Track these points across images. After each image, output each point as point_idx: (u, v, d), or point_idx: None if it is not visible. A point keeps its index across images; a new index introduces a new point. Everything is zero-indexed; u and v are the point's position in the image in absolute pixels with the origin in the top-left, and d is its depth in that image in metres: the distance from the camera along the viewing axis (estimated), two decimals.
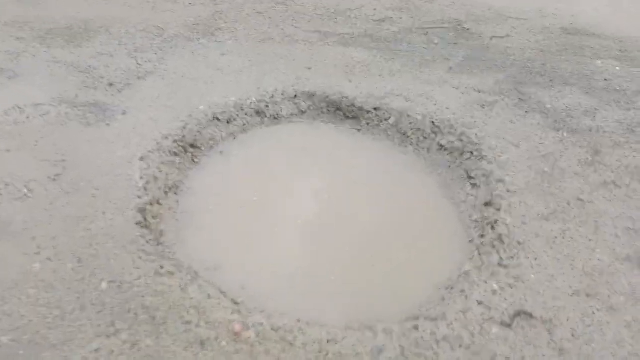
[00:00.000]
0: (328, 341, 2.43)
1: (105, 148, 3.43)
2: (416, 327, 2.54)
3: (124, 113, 3.73)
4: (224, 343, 2.36)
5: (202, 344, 2.34)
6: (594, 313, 2.63)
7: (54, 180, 3.17)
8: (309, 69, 4.53)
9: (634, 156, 3.71)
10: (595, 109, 4.23)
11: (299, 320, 2.57)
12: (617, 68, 4.84)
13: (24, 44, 4.72)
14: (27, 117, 3.72)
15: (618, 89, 4.55)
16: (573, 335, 2.53)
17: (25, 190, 3.08)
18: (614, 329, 2.56)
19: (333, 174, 3.64)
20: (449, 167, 3.70)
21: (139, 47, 4.63)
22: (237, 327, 2.42)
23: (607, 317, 2.62)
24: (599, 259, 2.92)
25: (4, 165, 3.27)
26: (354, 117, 4.09)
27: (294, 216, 3.23)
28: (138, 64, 4.37)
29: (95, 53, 4.60)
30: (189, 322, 2.43)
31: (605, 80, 4.67)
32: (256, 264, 2.92)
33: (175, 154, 3.47)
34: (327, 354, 2.37)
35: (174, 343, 2.34)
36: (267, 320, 2.51)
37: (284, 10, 5.65)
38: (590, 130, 3.98)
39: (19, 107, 3.79)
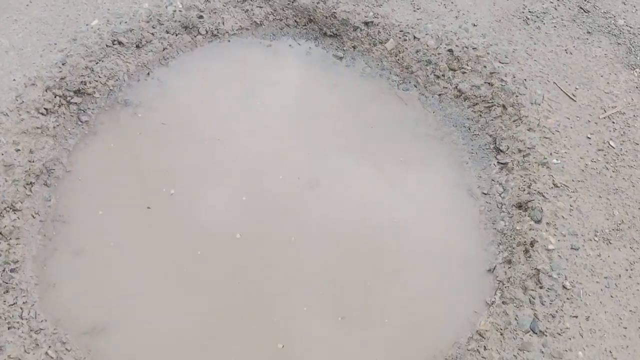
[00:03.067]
0: None
1: None
2: None
3: None
4: None
5: None
6: None
7: None
8: None
9: None
10: None
11: None
12: None
13: None
14: None
15: None
16: None
17: None
18: None
19: (297, 138, 2.45)
20: (469, 129, 2.50)
21: None
22: None
23: None
24: None
25: None
26: (334, 35, 2.74)
27: (232, 225, 2.13)
28: None
29: None
30: None
31: None
32: (166, 321, 1.90)
33: (48, 112, 2.23)
34: None
35: None
36: None
37: None
38: None
39: None
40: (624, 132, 2.41)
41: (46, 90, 2.26)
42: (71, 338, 1.81)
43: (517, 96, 2.47)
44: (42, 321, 1.81)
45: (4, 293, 1.82)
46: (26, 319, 1.80)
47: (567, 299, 1.95)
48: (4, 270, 1.87)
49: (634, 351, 1.86)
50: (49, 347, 1.75)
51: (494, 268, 2.11)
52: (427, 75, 2.62)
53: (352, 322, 1.95)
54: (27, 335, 1.76)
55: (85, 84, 2.35)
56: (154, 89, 2.49)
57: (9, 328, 1.75)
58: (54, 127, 2.23)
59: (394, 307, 2.00)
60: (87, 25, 2.46)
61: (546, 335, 1.87)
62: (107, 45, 2.44)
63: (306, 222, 2.18)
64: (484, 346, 1.89)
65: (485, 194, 2.32)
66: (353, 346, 1.91)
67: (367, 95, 2.62)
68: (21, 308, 1.81)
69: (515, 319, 1.93)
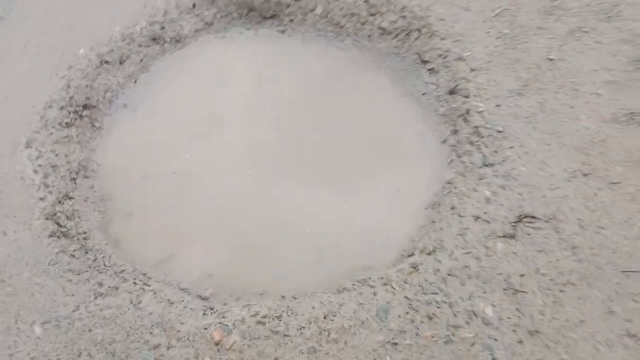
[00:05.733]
0: (325, 317, 2.07)
1: None
2: (416, 267, 2.21)
3: None
4: (207, 359, 1.96)
5: None
6: (595, 194, 2.37)
7: None
8: None
9: None
10: None
11: (283, 298, 2.18)
12: None
13: None
14: None
15: None
16: (581, 227, 2.28)
17: None
18: (620, 206, 2.33)
19: (268, 97, 3.03)
20: (398, 54, 3.16)
21: None
22: (217, 335, 2.00)
23: (610, 195, 2.37)
24: (585, 127, 2.61)
25: None
26: (273, 16, 3.37)
27: (240, 165, 2.69)
28: None
29: None
30: (157, 347, 1.99)
31: None
32: (211, 238, 2.43)
33: (69, 125, 2.74)
34: (329, 334, 2.02)
35: None
36: (248, 311, 2.10)
37: None
38: None
39: None
40: (512, 22, 3.11)
41: (61, 109, 2.76)
42: (148, 269, 2.31)
43: (426, 19, 3.15)
44: (121, 265, 2.30)
45: (85, 253, 2.30)
46: (109, 266, 2.28)
47: (503, 138, 2.59)
48: (79, 239, 2.35)
49: (558, 157, 2.50)
50: (134, 278, 2.24)
51: (446, 139, 2.74)
52: (354, 25, 3.27)
53: (353, 200, 2.53)
54: (114, 275, 2.24)
55: (89, 99, 2.87)
56: (142, 91, 3.03)
57: (99, 273, 2.23)
58: (76, 135, 2.73)
59: (383, 180, 2.60)
60: (76, 54, 2.99)
61: (495, 165, 2.50)
62: (97, 66, 2.97)
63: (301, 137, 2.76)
64: (454, 187, 2.49)
65: (424, 94, 2.96)
66: (359, 212, 2.48)
67: (311, 54, 3.24)
68: (102, 261, 2.30)
69: (470, 162, 2.55)
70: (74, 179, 2.57)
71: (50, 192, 2.43)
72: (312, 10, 3.32)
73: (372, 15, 3.25)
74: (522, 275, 2.16)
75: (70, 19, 3.25)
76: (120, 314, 2.06)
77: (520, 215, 2.32)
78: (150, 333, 2.01)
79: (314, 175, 2.67)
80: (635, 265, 2.17)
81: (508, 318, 2.08)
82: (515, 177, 2.45)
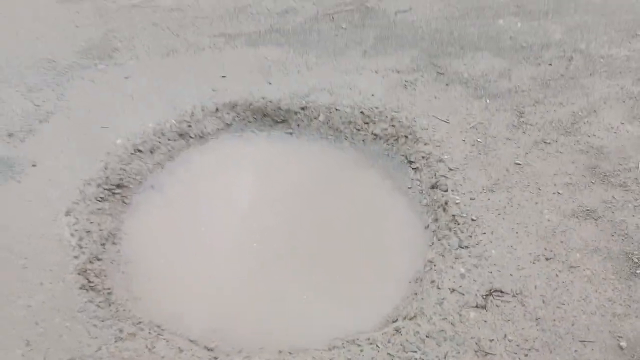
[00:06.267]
0: None
1: (22, 208, 3.07)
2: (398, 330, 2.51)
3: (34, 165, 3.36)
4: None
5: None
6: (557, 275, 2.73)
7: None
8: (224, 77, 4.31)
9: (554, 110, 3.88)
10: (509, 70, 4.37)
11: (280, 352, 2.46)
12: (519, 24, 5.03)
13: None
14: None
15: (524, 45, 4.72)
16: (544, 302, 2.61)
17: None
18: (578, 286, 2.67)
19: (275, 187, 3.51)
20: (388, 155, 3.68)
21: (32, 86, 4.18)
22: None
23: (570, 276, 2.72)
24: (548, 220, 3.03)
25: None
26: (283, 121, 3.96)
27: (247, 241, 3.08)
28: (36, 105, 3.95)
29: None
30: None
31: (511, 38, 4.84)
32: (220, 300, 2.75)
33: (103, 199, 3.18)
34: None
35: None
36: None
37: (181, 16, 5.33)
38: (510, 92, 4.10)
39: None
40: (484, 133, 3.68)
41: (98, 187, 3.22)
42: (162, 322, 2.61)
43: (411, 127, 3.72)
44: (139, 317, 2.61)
45: (109, 305, 2.62)
46: (129, 317, 2.59)
47: (477, 225, 3.01)
48: (104, 293, 2.68)
49: (524, 243, 2.90)
50: (150, 328, 2.54)
51: (428, 225, 3.16)
52: (351, 130, 3.84)
53: (347, 274, 2.89)
54: (133, 324, 2.54)
55: (122, 180, 3.34)
56: (168, 176, 3.51)
57: (120, 321, 2.53)
58: (109, 209, 3.16)
59: (374, 258, 2.98)
60: (114, 143, 3.52)
61: (469, 247, 2.89)
62: (131, 153, 3.48)
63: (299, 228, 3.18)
64: (434, 265, 2.86)
65: (409, 188, 3.44)
66: (351, 284, 2.83)
67: (315, 154, 3.78)
68: (123, 312, 2.61)
69: (448, 244, 2.94)
70: (104, 244, 2.95)
71: (83, 253, 2.81)
72: (316, 118, 3.91)
73: (366, 123, 3.83)
74: (491, 340, 2.45)
75: (109, 117, 3.83)
76: (137, 356, 2.34)
77: (491, 290, 2.66)
78: None
79: (314, 253, 3.05)
80: (591, 336, 2.47)
81: None
82: (486, 258, 2.82)
